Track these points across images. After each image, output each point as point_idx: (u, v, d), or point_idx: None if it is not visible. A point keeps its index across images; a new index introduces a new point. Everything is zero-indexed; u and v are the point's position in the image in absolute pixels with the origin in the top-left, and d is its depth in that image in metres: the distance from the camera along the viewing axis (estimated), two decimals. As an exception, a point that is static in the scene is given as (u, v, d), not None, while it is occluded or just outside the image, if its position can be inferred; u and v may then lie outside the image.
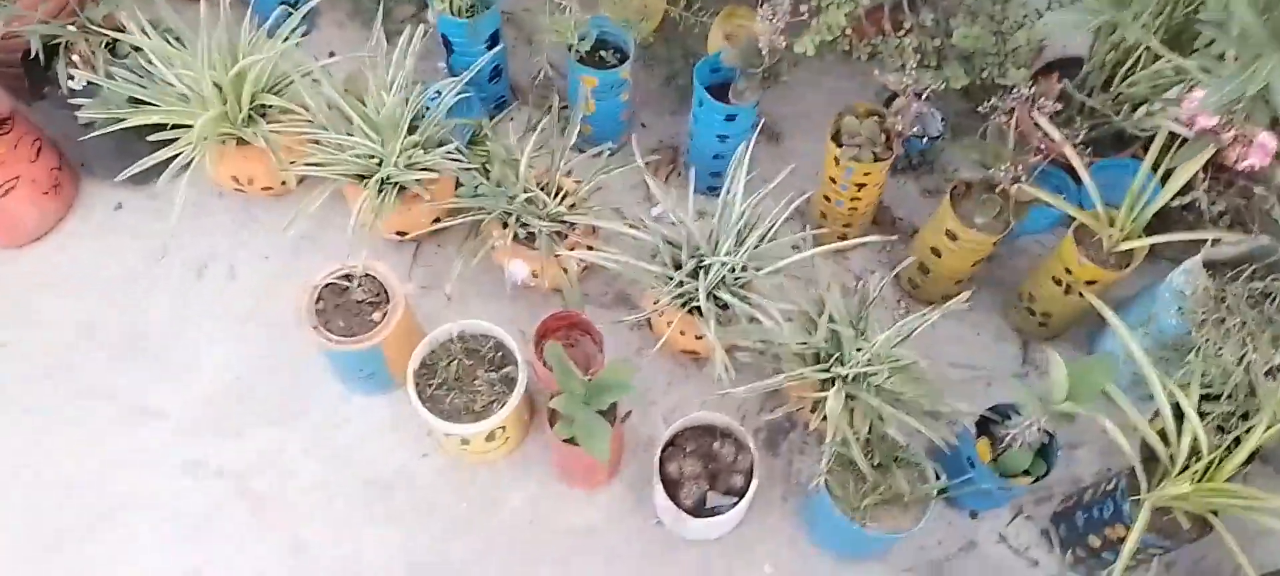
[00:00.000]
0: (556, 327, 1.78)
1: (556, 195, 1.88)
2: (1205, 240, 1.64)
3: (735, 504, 1.57)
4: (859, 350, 1.60)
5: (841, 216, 1.96)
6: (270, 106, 1.91)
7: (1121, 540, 1.50)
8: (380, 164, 1.83)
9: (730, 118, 1.92)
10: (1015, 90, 1.71)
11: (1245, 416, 1.48)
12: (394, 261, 1.99)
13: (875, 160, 1.80)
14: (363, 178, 1.86)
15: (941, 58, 1.94)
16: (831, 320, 1.62)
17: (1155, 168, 1.62)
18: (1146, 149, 1.85)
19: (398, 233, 2.01)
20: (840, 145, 1.82)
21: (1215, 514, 1.42)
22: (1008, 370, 1.95)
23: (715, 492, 1.61)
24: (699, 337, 1.79)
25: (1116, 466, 1.80)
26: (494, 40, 2.08)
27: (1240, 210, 1.83)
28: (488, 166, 1.92)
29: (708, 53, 2.12)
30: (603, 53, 2.03)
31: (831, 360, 1.61)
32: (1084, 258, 1.68)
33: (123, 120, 1.83)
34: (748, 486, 1.58)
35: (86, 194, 2.12)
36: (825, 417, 1.57)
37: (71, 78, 1.90)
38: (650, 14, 2.07)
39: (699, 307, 1.70)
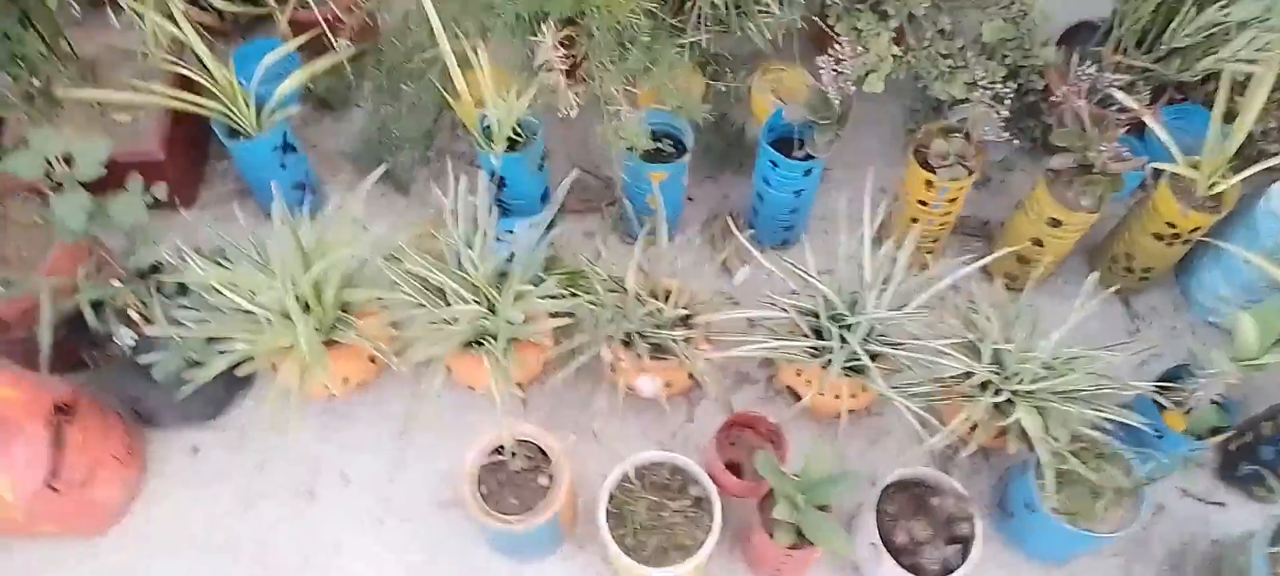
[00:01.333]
0: (727, 432, 1.79)
1: (667, 299, 1.88)
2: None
3: (967, 554, 1.62)
4: (1025, 363, 1.68)
5: (932, 233, 2.04)
6: (353, 301, 1.85)
7: (1323, 462, 1.64)
8: (492, 324, 1.79)
9: (807, 172, 1.97)
10: (1077, 73, 1.83)
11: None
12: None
13: (968, 173, 1.88)
14: (470, 344, 1.82)
15: (964, 59, 2.05)
16: (994, 341, 1.69)
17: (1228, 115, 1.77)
18: (1181, 94, 2.02)
19: (516, 386, 1.97)
20: (929, 168, 1.89)
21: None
22: (1119, 332, 2.08)
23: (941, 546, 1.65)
24: (854, 396, 1.83)
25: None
26: (542, 165, 2.07)
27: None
28: (586, 291, 1.91)
29: (753, 115, 2.17)
30: (658, 144, 2.04)
31: (1002, 380, 1.69)
32: (1188, 209, 1.81)
33: (206, 365, 1.74)
34: (973, 532, 1.63)
35: (155, 447, 1.99)
36: (1023, 436, 1.65)
37: (126, 336, 1.79)
38: (692, 93, 2.10)
39: (856, 367, 1.74)
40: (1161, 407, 1.70)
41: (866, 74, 1.93)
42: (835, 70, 1.82)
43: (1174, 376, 1.73)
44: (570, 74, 1.91)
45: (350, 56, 2.20)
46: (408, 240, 1.88)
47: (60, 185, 1.64)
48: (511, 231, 1.97)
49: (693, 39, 2.00)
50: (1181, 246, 1.91)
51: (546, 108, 1.90)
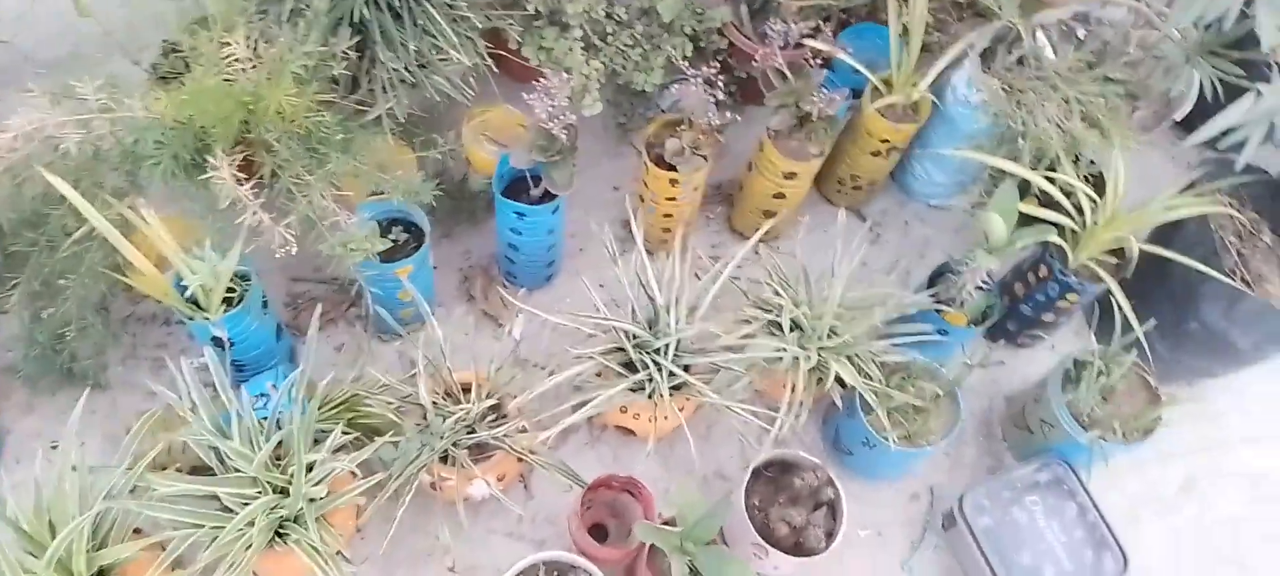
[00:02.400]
0: (582, 499, 1.74)
1: (469, 394, 1.78)
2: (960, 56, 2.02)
3: (836, 515, 1.73)
4: (819, 319, 1.79)
5: (685, 218, 2.09)
6: (114, 562, 1.56)
7: (1075, 304, 1.92)
8: (290, 508, 1.60)
9: (555, 210, 1.93)
10: (771, 33, 1.94)
11: (1076, 161, 1.92)
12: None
13: (706, 160, 1.93)
14: (274, 539, 1.61)
15: (652, 41, 2.11)
16: (789, 312, 1.78)
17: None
18: (846, 15, 2.21)
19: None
20: (670, 167, 1.93)
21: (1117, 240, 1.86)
22: (865, 242, 2.27)
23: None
24: (681, 409, 1.85)
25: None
26: (265, 305, 1.86)
27: (943, 21, 2.28)
28: (373, 424, 1.77)
29: (470, 164, 2.08)
30: (390, 235, 1.90)
31: (807, 341, 1.79)
32: (896, 123, 2.00)
33: None
34: (837, 496, 1.73)
35: None
36: (842, 383, 1.77)
37: None
38: (407, 167, 1.96)
39: (680, 383, 1.76)
40: (942, 310, 1.89)
41: (583, 96, 1.91)
42: (549, 103, 1.78)
43: (940, 274, 1.93)
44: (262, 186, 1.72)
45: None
46: (147, 456, 1.62)
47: None
48: (264, 394, 1.76)
49: (384, 109, 1.87)
50: (897, 155, 2.11)
51: (256, 248, 1.69)
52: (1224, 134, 1.59)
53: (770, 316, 1.81)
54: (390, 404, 1.76)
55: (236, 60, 1.69)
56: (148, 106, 1.69)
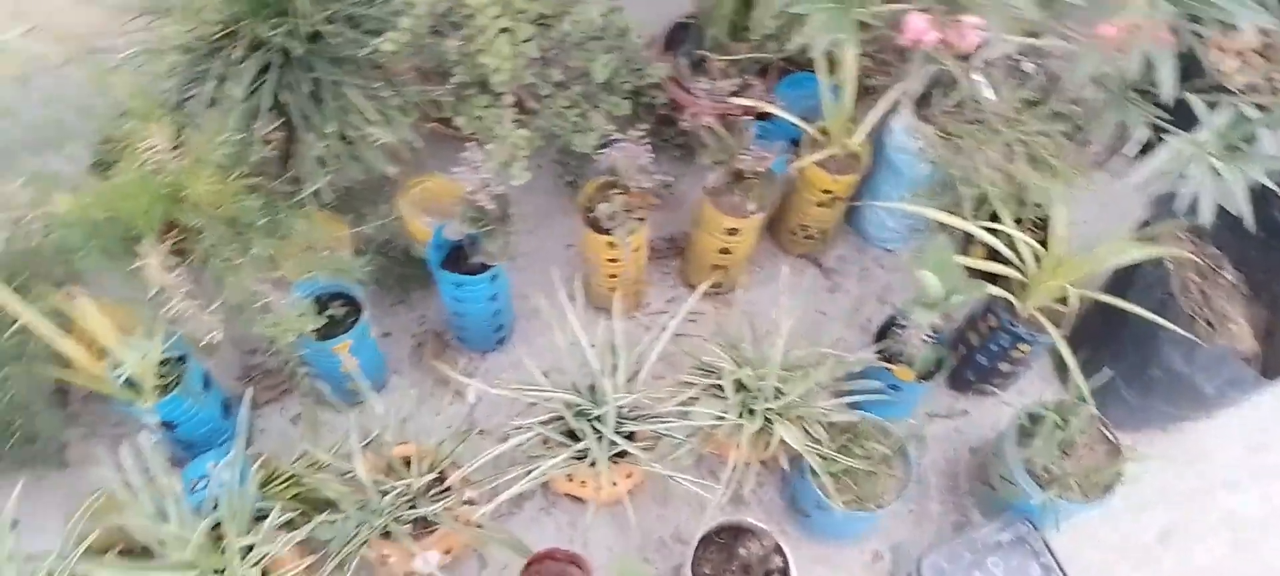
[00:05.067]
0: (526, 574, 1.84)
1: (410, 467, 1.89)
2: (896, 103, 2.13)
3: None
4: (763, 380, 1.89)
5: (634, 276, 2.20)
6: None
7: (1028, 353, 2.02)
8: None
9: (494, 278, 2.04)
10: (695, 93, 2.05)
11: (1021, 205, 2.01)
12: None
13: (642, 221, 2.04)
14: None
15: (590, 101, 2.22)
16: (732, 373, 1.88)
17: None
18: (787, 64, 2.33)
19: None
20: (604, 231, 2.03)
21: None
22: (820, 292, 2.38)
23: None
24: (629, 475, 1.96)
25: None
26: (207, 383, 1.98)
27: (884, 63, 2.38)
28: (311, 499, 1.88)
29: (411, 234, 2.20)
30: (328, 310, 2.02)
31: (752, 403, 1.88)
32: (836, 174, 2.11)
33: None
34: (786, 564, 1.82)
35: None
36: (787, 448, 1.86)
37: None
38: (340, 243, 2.09)
39: (622, 452, 1.86)
40: (889, 366, 1.98)
41: (510, 165, 2.03)
42: (479, 176, 1.89)
43: (888, 328, 2.03)
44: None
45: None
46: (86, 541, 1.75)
47: None
48: (205, 476, 1.87)
49: (311, 189, 1.99)
50: (844, 203, 2.22)
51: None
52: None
53: (711, 380, 1.90)
54: (328, 481, 1.87)
55: (158, 151, 1.83)
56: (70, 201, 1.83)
